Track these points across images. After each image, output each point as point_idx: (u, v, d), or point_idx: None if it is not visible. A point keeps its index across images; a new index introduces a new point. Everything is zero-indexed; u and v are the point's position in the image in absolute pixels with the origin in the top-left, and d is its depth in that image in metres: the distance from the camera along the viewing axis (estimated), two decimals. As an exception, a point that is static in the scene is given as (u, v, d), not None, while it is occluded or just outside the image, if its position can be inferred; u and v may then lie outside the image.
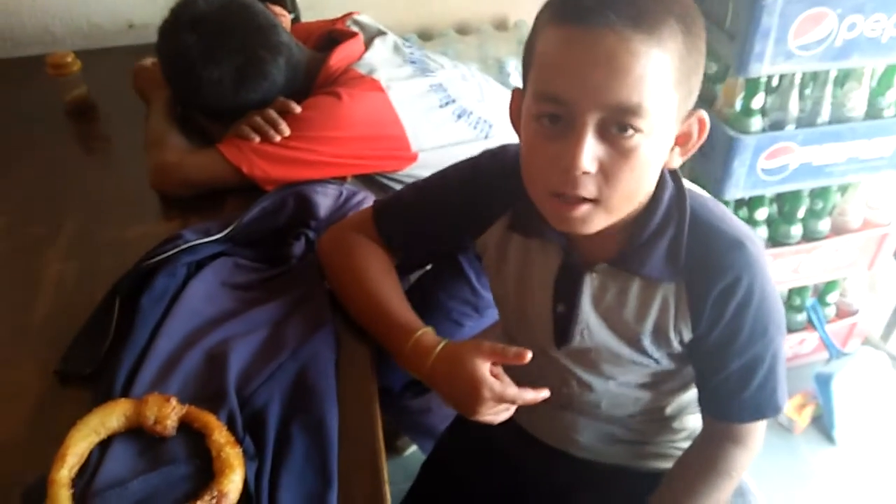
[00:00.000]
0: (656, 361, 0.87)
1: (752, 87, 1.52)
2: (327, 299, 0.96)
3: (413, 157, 1.26)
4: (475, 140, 1.32)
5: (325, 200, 1.09)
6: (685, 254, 0.79)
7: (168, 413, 0.78)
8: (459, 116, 1.31)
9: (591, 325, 0.86)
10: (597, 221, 0.73)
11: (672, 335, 0.83)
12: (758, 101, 1.53)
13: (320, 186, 1.11)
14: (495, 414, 0.83)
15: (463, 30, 2.00)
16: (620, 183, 0.70)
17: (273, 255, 1.04)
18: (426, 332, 0.88)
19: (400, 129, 1.23)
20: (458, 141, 1.29)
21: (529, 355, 0.80)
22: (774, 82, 1.58)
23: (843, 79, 1.57)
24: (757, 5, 1.34)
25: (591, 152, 0.67)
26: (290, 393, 0.85)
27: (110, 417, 0.78)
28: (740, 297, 0.78)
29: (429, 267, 1.38)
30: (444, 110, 1.29)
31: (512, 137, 0.83)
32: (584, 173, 0.68)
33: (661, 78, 0.66)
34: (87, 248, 1.12)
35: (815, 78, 1.56)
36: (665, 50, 0.66)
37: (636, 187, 0.72)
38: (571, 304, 0.85)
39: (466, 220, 0.92)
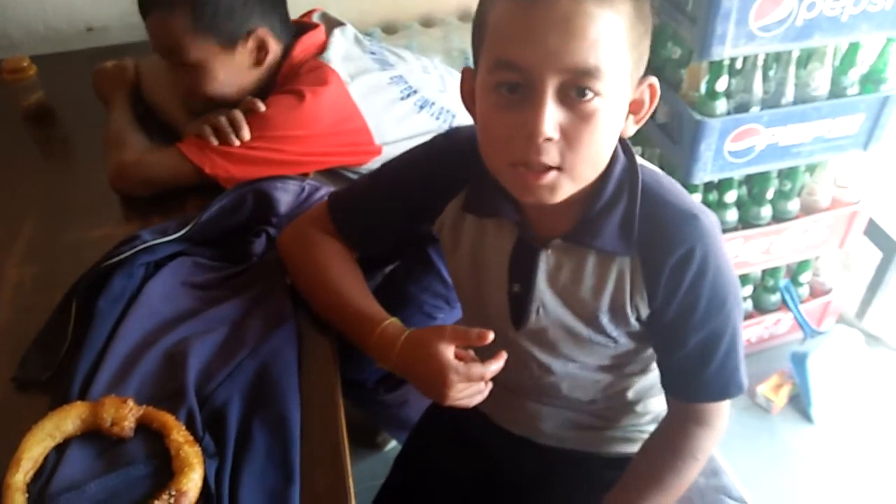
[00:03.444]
0: (614, 340, 0.87)
1: (715, 70, 1.52)
2: (288, 295, 0.96)
3: (377, 151, 1.25)
4: (438, 130, 1.31)
5: (285, 196, 1.08)
6: (638, 227, 0.79)
7: (125, 414, 0.77)
8: (422, 107, 1.30)
9: (546, 302, 0.85)
10: (563, 189, 0.73)
11: (629, 311, 0.83)
12: (722, 84, 1.53)
13: (280, 182, 1.10)
14: (468, 397, 0.83)
15: (427, 22, 1.99)
16: (583, 148, 0.70)
17: (233, 252, 1.03)
18: (391, 323, 0.88)
19: (362, 123, 1.22)
20: (421, 132, 1.29)
21: (491, 335, 0.80)
22: (738, 65, 1.58)
23: (805, 59, 1.58)
24: (716, -13, 1.35)
25: (552, 118, 0.67)
26: (251, 390, 0.84)
27: (65, 421, 0.77)
28: (695, 269, 0.78)
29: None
30: (405, 102, 1.28)
31: None
32: (547, 140, 0.68)
33: (615, 40, 0.67)
34: (46, 252, 1.10)
35: (777, 59, 1.56)
36: (617, 13, 0.66)
37: (598, 152, 0.72)
38: (527, 284, 0.85)
39: (420, 201, 0.92)
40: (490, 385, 0.84)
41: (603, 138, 0.71)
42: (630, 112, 0.75)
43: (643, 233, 0.79)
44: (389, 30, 1.95)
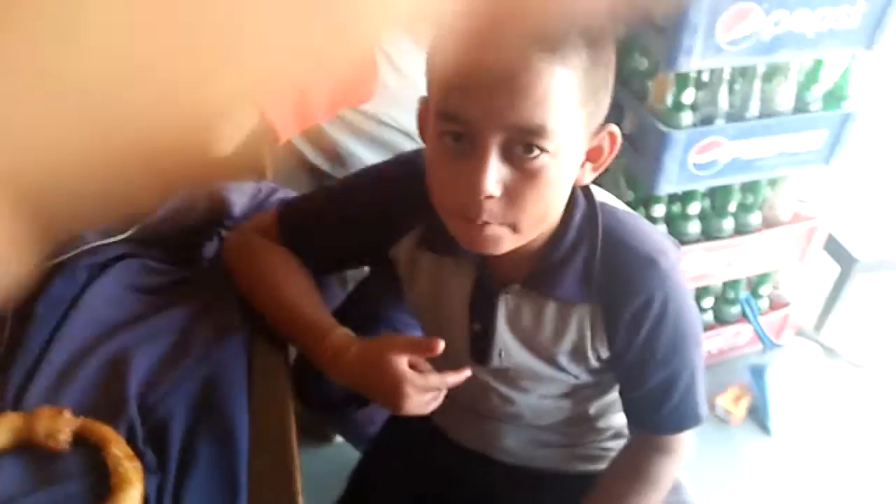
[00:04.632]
0: (575, 377, 0.86)
1: (682, 82, 1.52)
2: (239, 304, 0.91)
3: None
4: None
5: (240, 198, 1.04)
6: (598, 274, 0.77)
7: (60, 426, 0.73)
8: None
9: (507, 346, 0.84)
10: (507, 242, 0.70)
11: (590, 354, 0.83)
12: (688, 96, 1.53)
13: (235, 184, 1.06)
14: (425, 405, 0.80)
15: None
16: (528, 206, 0.67)
17: (183, 256, 0.99)
18: (340, 333, 0.84)
19: None
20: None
21: (442, 344, 0.77)
22: (705, 77, 1.58)
23: (771, 74, 1.59)
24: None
25: (495, 175, 0.64)
26: (197, 402, 0.80)
27: (-5, 433, 0.72)
28: (654, 316, 0.77)
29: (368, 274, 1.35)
30: None
31: None
32: (489, 197, 0.65)
33: (565, 96, 0.63)
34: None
35: (743, 73, 1.57)
36: (568, 67, 0.62)
37: (545, 209, 0.70)
38: (487, 324, 0.84)
39: (373, 231, 0.89)
40: (444, 391, 0.82)
41: (550, 195, 0.68)
42: (587, 160, 0.72)
43: (602, 280, 0.77)
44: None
